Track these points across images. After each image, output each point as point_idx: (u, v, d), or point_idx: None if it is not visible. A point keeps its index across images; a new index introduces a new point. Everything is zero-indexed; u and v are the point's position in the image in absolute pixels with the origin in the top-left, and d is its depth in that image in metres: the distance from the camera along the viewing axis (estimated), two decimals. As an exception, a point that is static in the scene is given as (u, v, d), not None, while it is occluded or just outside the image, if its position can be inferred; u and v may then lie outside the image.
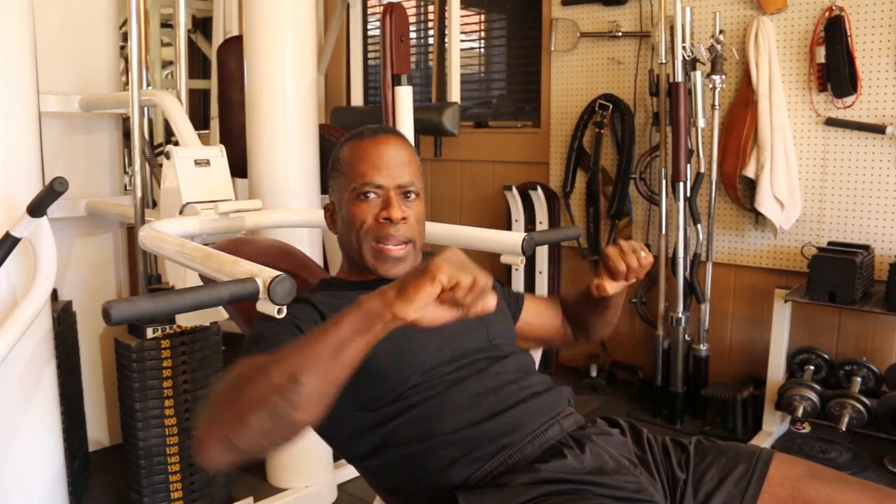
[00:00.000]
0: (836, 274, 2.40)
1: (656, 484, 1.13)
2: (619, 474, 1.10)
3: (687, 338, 2.85)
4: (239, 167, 2.26)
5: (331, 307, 1.16)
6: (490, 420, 1.12)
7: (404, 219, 1.18)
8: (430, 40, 3.93)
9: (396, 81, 2.15)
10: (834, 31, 2.54)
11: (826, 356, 2.60)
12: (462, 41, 3.18)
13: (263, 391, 0.83)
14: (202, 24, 4.28)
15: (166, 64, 4.35)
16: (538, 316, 1.47)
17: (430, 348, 1.16)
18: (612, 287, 1.26)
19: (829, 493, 1.07)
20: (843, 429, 2.38)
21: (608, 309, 1.38)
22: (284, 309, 1.07)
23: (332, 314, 0.98)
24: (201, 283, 1.35)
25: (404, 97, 2.12)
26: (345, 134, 2.63)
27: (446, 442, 1.10)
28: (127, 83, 2.29)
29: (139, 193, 2.18)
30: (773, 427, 2.66)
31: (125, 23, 2.52)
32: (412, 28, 3.61)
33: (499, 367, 1.20)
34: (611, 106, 3.08)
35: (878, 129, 2.53)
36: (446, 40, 2.76)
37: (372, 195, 1.18)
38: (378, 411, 1.13)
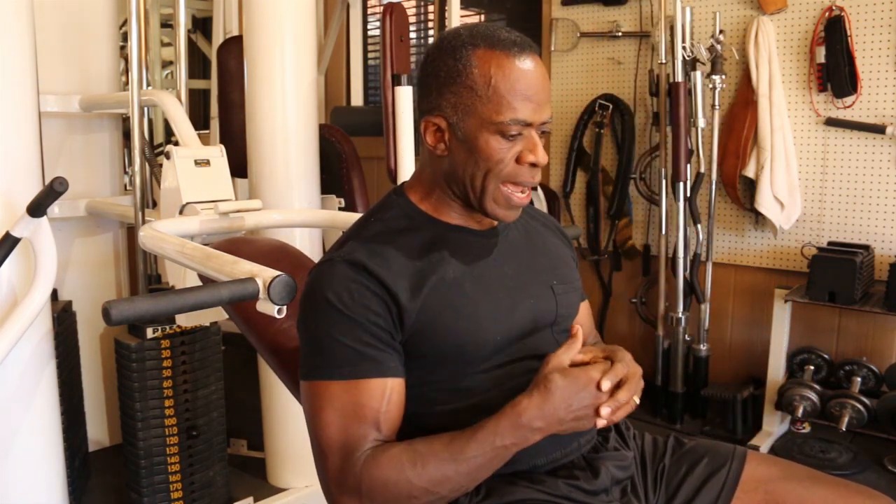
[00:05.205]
0: (836, 274, 2.40)
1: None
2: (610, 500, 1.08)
3: (687, 338, 2.85)
4: (239, 167, 2.26)
5: (413, 269, 1.00)
6: None
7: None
8: (430, 40, 3.93)
9: (396, 81, 2.14)
10: (834, 31, 2.54)
11: (826, 356, 2.60)
12: (462, 41, 3.17)
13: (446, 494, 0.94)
14: (202, 24, 4.28)
15: (166, 64, 4.34)
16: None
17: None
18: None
19: (801, 494, 1.08)
20: (843, 429, 2.38)
21: None
22: (284, 309, 1.07)
23: (413, 276, 0.99)
24: (201, 283, 1.35)
25: (404, 97, 2.12)
26: (345, 134, 2.66)
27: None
28: (127, 83, 2.29)
29: (139, 193, 2.18)
30: (774, 427, 2.66)
31: (125, 23, 2.52)
32: (412, 28, 3.60)
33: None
34: (611, 106, 3.08)
35: (878, 129, 2.53)
36: (446, 40, 2.75)
37: (520, 135, 1.00)
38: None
